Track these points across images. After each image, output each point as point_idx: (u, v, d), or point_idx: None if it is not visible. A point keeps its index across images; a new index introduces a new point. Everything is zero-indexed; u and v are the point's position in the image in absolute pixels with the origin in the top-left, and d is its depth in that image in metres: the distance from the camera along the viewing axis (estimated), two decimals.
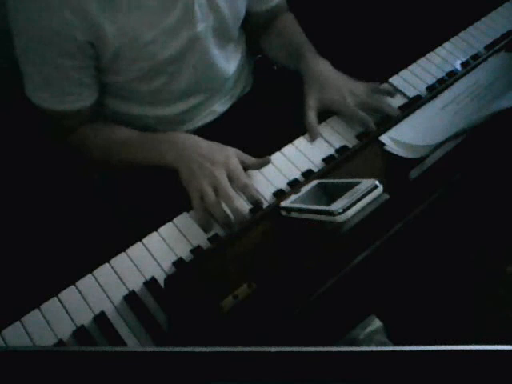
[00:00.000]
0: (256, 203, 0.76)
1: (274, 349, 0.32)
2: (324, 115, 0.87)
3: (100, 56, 0.81)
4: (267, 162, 0.80)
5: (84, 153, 0.92)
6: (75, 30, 0.75)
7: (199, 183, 0.75)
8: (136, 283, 0.70)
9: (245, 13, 0.95)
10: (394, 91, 0.87)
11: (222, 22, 0.90)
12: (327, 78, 0.88)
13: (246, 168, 0.79)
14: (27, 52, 0.79)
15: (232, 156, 0.78)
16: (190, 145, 0.80)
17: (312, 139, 0.84)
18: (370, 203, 0.58)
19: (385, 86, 0.87)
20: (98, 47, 0.79)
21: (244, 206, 0.75)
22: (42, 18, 0.74)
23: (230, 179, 0.76)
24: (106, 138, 0.89)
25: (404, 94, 0.87)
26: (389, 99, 0.88)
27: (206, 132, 0.89)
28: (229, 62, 0.99)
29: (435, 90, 0.86)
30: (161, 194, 0.92)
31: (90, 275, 0.71)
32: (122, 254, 0.73)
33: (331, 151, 0.82)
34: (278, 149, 0.83)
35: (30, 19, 0.74)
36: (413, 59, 0.93)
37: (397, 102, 0.88)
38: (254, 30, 1.06)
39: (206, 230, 0.75)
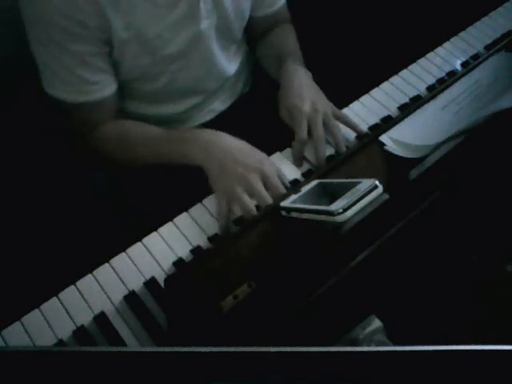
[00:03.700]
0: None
1: (273, 349, 0.32)
2: None
3: (111, 47, 0.80)
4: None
5: (106, 149, 0.90)
6: (87, 16, 0.75)
7: (232, 188, 0.73)
8: (136, 283, 0.70)
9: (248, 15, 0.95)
10: (355, 125, 0.84)
11: (226, 20, 0.90)
12: (298, 86, 0.86)
13: None
14: (41, 41, 0.79)
15: (266, 161, 0.76)
16: (219, 144, 0.77)
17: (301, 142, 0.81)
18: (369, 203, 0.58)
19: (349, 118, 0.85)
20: (107, 36, 0.79)
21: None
22: (54, 5, 0.73)
23: (265, 185, 0.74)
24: (132, 133, 0.88)
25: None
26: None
27: None
28: (230, 63, 0.99)
29: (435, 90, 0.86)
30: (161, 194, 0.93)
31: (90, 275, 0.71)
32: (122, 254, 0.73)
33: (331, 151, 0.82)
34: (278, 149, 0.83)
35: (42, 7, 0.74)
36: (413, 59, 0.93)
37: (397, 102, 0.88)
38: (252, 36, 1.05)
39: (223, 233, 0.74)
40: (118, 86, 0.87)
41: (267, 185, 0.74)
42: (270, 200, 0.73)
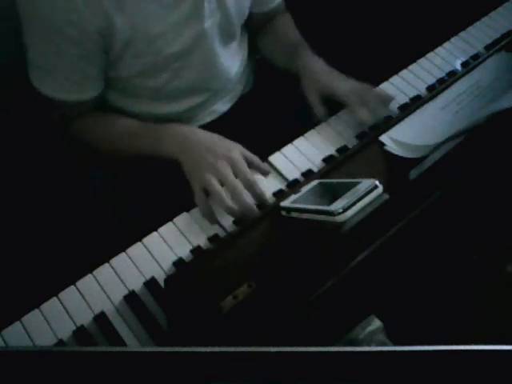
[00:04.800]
0: (260, 201, 0.75)
1: (273, 349, 0.32)
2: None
3: (109, 48, 0.81)
4: (267, 172, 0.80)
5: (83, 143, 0.92)
6: (86, 20, 0.75)
7: (202, 176, 0.75)
8: (136, 283, 0.70)
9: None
10: (388, 98, 0.86)
11: (228, 19, 0.90)
12: (322, 70, 0.90)
13: (247, 164, 0.78)
14: (35, 38, 0.79)
15: (234, 149, 0.78)
16: (191, 136, 0.80)
17: (322, 119, 0.86)
18: (369, 203, 0.58)
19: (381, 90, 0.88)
20: (107, 39, 0.79)
21: (252, 201, 0.75)
22: (53, 5, 0.74)
23: (234, 173, 0.75)
24: (105, 127, 0.89)
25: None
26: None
27: None
28: (232, 60, 0.99)
29: (435, 90, 0.86)
30: (161, 193, 0.93)
31: (90, 275, 0.71)
32: (122, 254, 0.73)
33: (331, 151, 0.82)
34: (278, 149, 0.83)
35: (41, 7, 0.74)
36: (413, 59, 0.93)
37: (397, 102, 0.88)
38: (251, 30, 1.06)
39: (211, 222, 0.75)
40: (101, 92, 0.88)
41: (235, 172, 0.76)
42: (238, 185, 0.74)
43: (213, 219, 0.75)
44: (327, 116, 0.86)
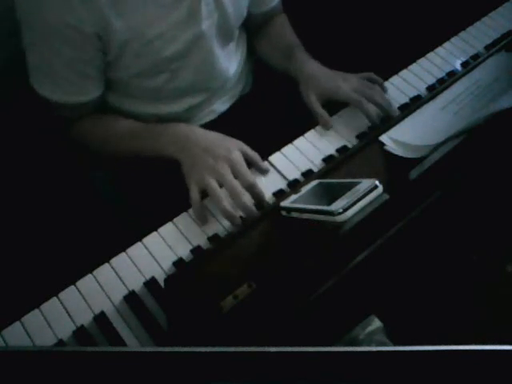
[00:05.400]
0: (260, 202, 0.75)
1: (273, 349, 0.32)
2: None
3: (107, 49, 0.81)
4: (266, 171, 0.80)
5: (84, 145, 0.92)
6: (84, 21, 0.75)
7: (201, 176, 0.75)
8: (136, 283, 0.70)
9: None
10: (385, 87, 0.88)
11: (226, 20, 0.90)
12: (320, 73, 0.90)
13: (247, 162, 0.78)
14: (34, 41, 0.79)
15: (234, 150, 0.78)
16: (192, 137, 0.80)
17: (327, 128, 0.85)
18: (370, 203, 0.58)
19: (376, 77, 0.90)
20: (105, 40, 0.79)
21: (252, 201, 0.75)
22: (51, 8, 0.74)
23: (234, 174, 0.75)
24: (105, 128, 0.89)
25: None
26: (390, 98, 0.88)
27: None
28: (230, 61, 0.99)
29: (435, 90, 0.86)
30: (161, 194, 0.93)
31: (90, 275, 0.71)
32: (122, 254, 0.73)
33: (331, 151, 0.82)
34: (278, 149, 0.83)
35: (39, 9, 0.75)
36: (413, 59, 0.93)
37: (397, 102, 0.88)
38: (249, 30, 1.06)
39: (202, 223, 0.75)
40: (101, 93, 0.88)
41: (235, 173, 0.75)
42: (237, 186, 0.74)
43: (204, 220, 0.75)
44: (331, 123, 0.86)
